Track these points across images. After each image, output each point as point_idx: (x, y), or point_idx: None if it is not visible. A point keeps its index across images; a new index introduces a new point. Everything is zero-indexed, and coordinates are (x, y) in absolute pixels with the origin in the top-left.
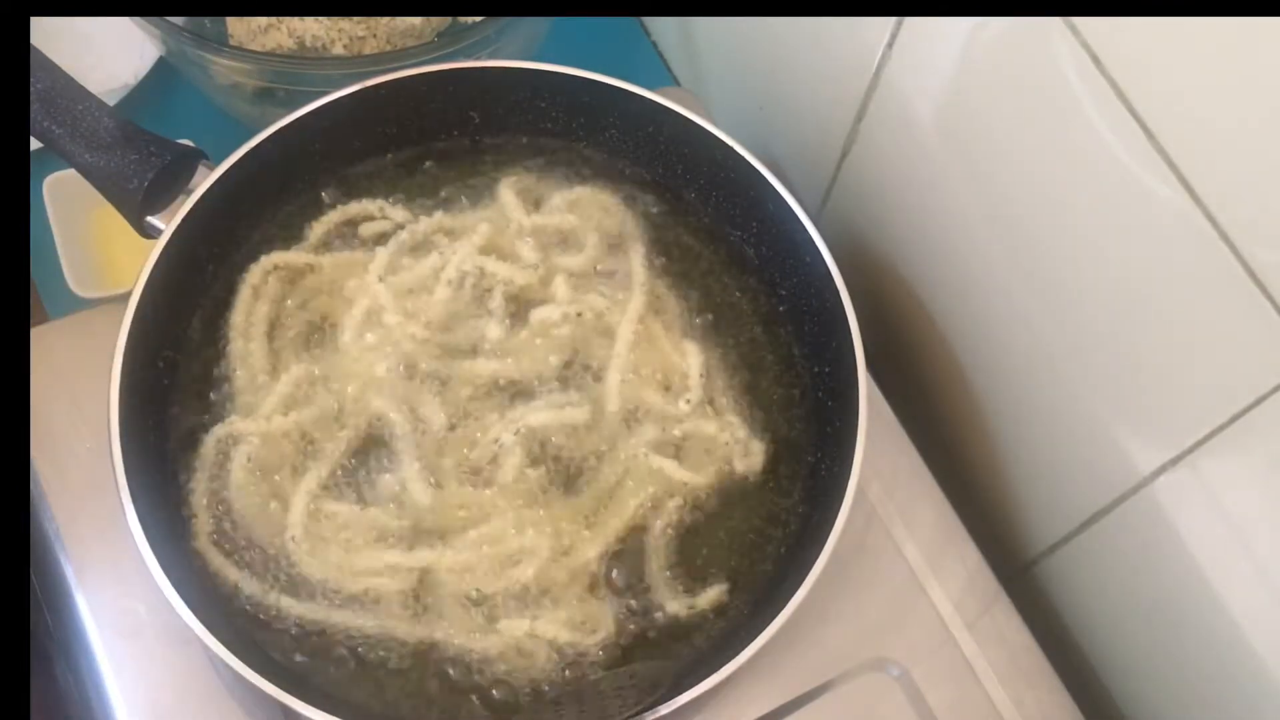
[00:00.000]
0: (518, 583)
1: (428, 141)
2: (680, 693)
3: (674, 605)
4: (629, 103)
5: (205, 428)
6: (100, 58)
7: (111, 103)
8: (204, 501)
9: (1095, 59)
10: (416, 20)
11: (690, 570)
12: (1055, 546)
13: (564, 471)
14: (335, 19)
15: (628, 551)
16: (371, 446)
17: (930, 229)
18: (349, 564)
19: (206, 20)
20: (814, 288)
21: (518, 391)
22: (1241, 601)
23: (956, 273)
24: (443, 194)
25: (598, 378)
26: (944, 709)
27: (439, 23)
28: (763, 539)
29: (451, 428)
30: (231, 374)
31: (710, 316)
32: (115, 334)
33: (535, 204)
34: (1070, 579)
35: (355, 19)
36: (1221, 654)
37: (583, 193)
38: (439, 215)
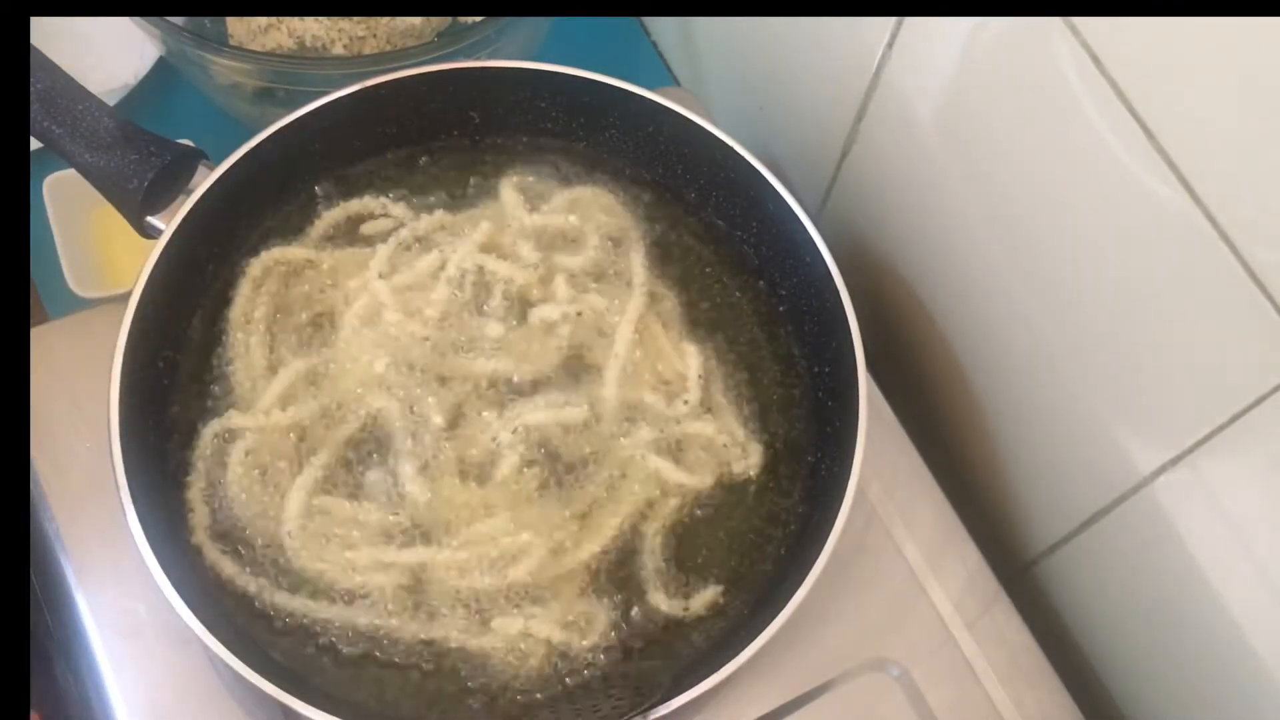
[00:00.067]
0: (513, 582)
1: (428, 141)
2: (680, 693)
3: (669, 606)
4: (629, 103)
5: (204, 424)
6: (100, 58)
7: (111, 103)
8: (201, 496)
9: (1095, 59)
10: (416, 20)
11: (688, 570)
12: (1055, 546)
13: (561, 471)
14: (335, 19)
15: (624, 552)
16: (369, 443)
17: (930, 229)
18: (345, 560)
19: (206, 20)
20: (814, 288)
21: (516, 390)
22: (1241, 601)
23: (956, 273)
24: (443, 193)
25: (596, 378)
26: (944, 709)
27: (439, 23)
28: (762, 539)
29: (449, 426)
30: (230, 369)
31: (710, 317)
32: (115, 334)
33: (536, 203)
34: (1070, 579)
35: (355, 19)
36: (1221, 654)
37: (583, 192)
38: (440, 213)
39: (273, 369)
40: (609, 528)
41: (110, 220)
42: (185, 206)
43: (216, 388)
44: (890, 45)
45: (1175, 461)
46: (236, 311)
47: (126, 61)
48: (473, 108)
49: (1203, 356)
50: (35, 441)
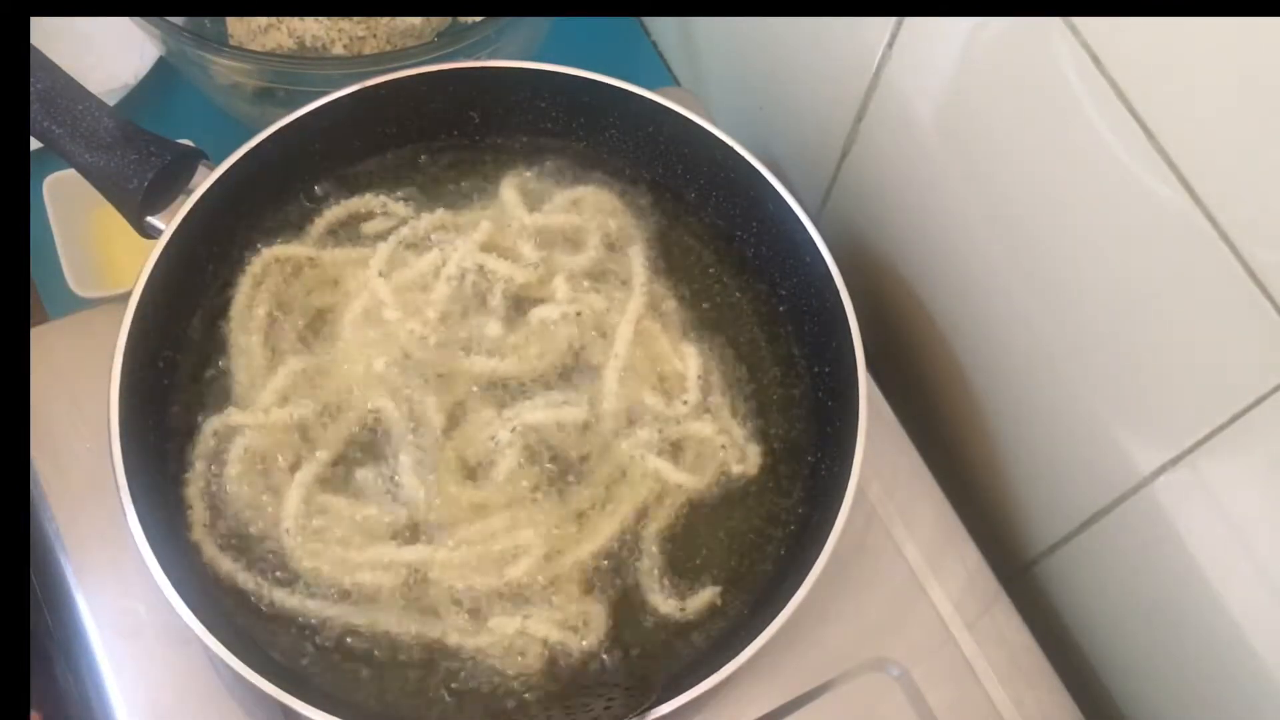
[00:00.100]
0: (511, 581)
1: (428, 141)
2: (680, 693)
3: (666, 607)
4: (629, 103)
5: (204, 422)
6: (100, 58)
7: (111, 103)
8: (200, 493)
9: (1095, 59)
10: (416, 20)
11: (688, 571)
12: (1055, 546)
13: (560, 471)
14: (335, 19)
15: (623, 552)
16: (368, 442)
17: (930, 229)
18: (343, 558)
19: (206, 20)
20: (814, 288)
21: (515, 389)
22: (1241, 601)
23: (956, 273)
24: (443, 193)
25: (596, 377)
26: (944, 709)
27: (439, 23)
28: (762, 539)
29: (449, 425)
30: (230, 367)
31: (710, 317)
32: (115, 334)
33: (536, 203)
34: (1070, 579)
35: (355, 19)
36: (1221, 654)
37: (584, 192)
38: (440, 212)
39: (272, 367)
40: (607, 528)
41: (110, 220)
42: (185, 206)
43: (216, 387)
44: (890, 45)
45: (1175, 461)
46: (237, 309)
47: (126, 61)
48: (473, 108)
49: (1203, 356)
50: (35, 441)
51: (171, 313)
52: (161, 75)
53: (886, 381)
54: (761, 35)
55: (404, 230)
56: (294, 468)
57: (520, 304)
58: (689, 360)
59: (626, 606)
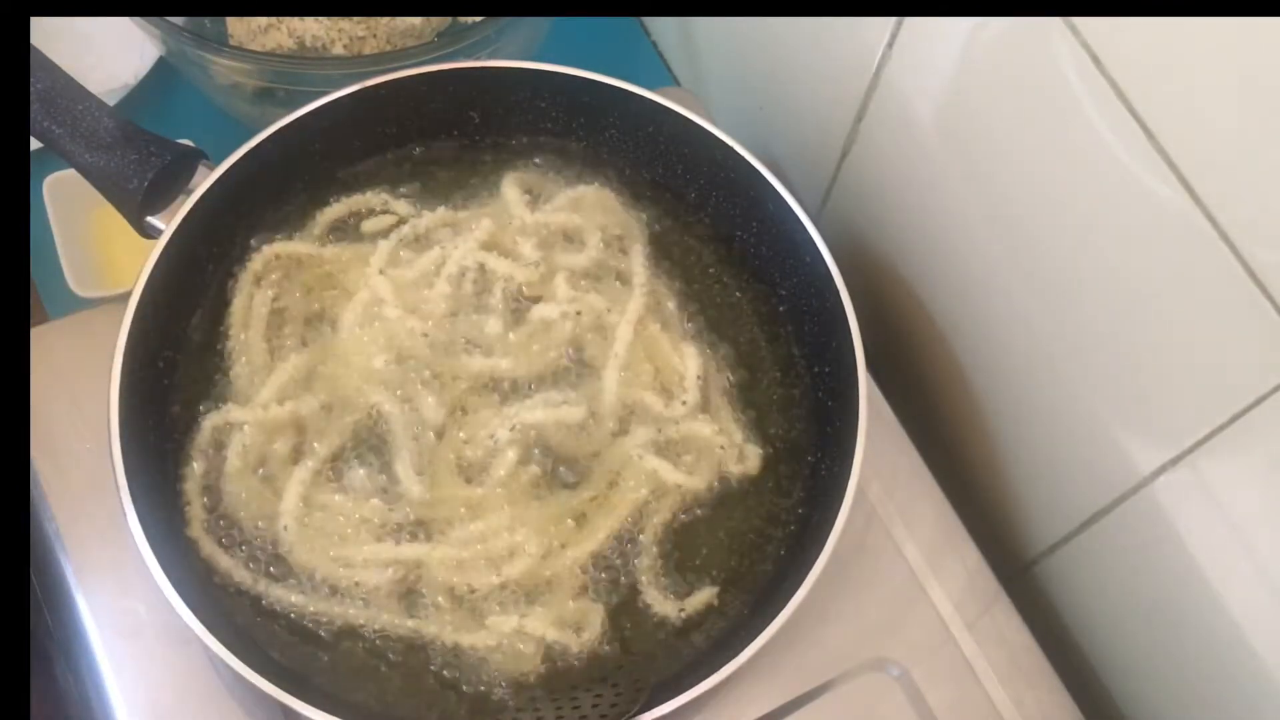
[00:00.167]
0: (508, 579)
1: (428, 141)
2: (680, 693)
3: (664, 607)
4: (629, 103)
5: (204, 418)
6: (100, 58)
7: (111, 103)
8: (198, 489)
9: (1095, 59)
10: (416, 20)
11: (688, 571)
12: (1055, 546)
13: (558, 470)
14: (335, 19)
15: (621, 551)
16: (367, 439)
17: (930, 229)
18: (340, 555)
19: (206, 20)
20: (814, 288)
21: (515, 388)
22: (1241, 601)
23: (956, 273)
24: (442, 193)
25: (595, 377)
26: (944, 709)
27: (439, 23)
28: (762, 539)
29: (448, 422)
30: (230, 363)
31: (710, 316)
32: (115, 334)
33: (537, 201)
34: (1070, 579)
35: (355, 19)
36: (1221, 654)
37: (585, 191)
38: (441, 210)
39: (272, 364)
40: (605, 527)
41: (110, 220)
42: (185, 206)
43: (216, 386)
44: (890, 45)
45: (1175, 461)
46: (237, 306)
47: (126, 61)
48: (473, 108)
49: (1203, 356)
50: (35, 441)
51: (171, 313)
52: (161, 75)
53: (886, 381)
54: (761, 35)
55: (405, 228)
56: (293, 464)
57: (520, 303)
58: (688, 360)
59: (625, 606)
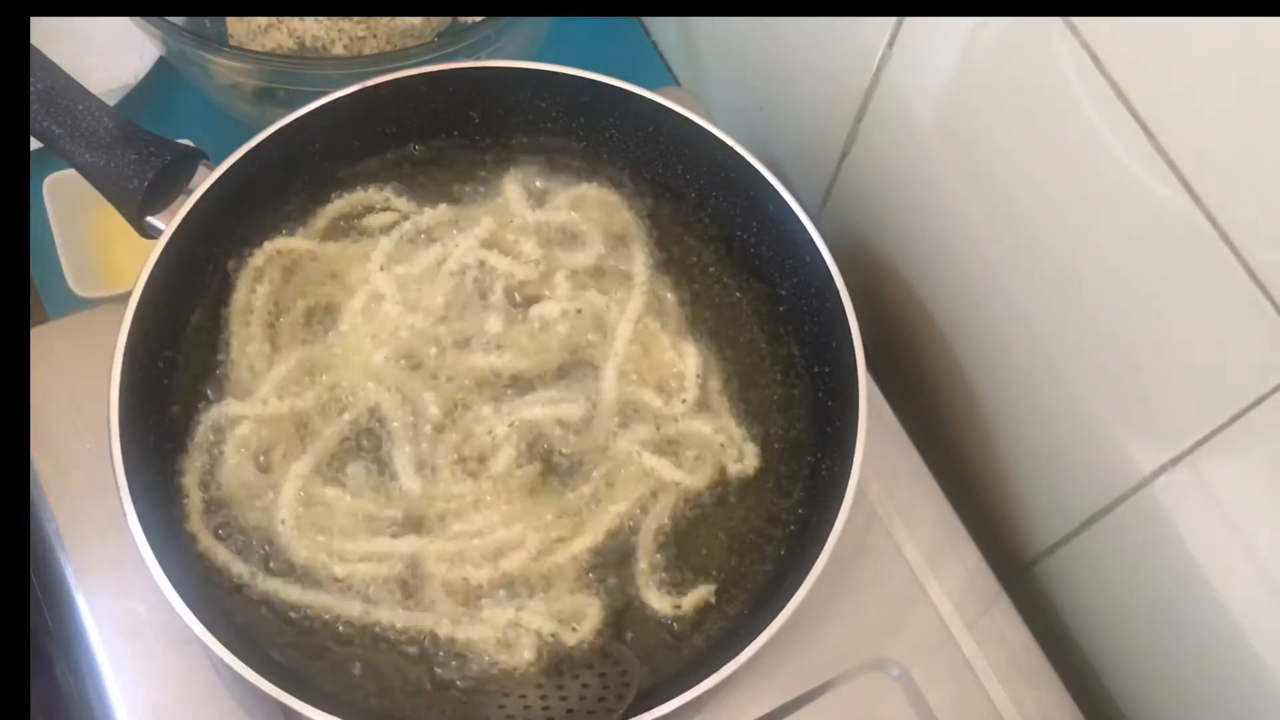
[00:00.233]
0: (505, 574)
1: (428, 141)
2: (680, 693)
3: (661, 605)
4: (629, 103)
5: (203, 412)
6: (100, 58)
7: (111, 103)
8: (197, 484)
9: (1095, 59)
10: (416, 20)
11: (687, 569)
12: (1055, 546)
13: (557, 467)
14: (335, 19)
15: (619, 549)
16: (366, 434)
17: (930, 229)
18: (338, 549)
19: (206, 20)
20: (814, 288)
21: (514, 385)
22: (1241, 601)
23: (956, 273)
24: (442, 193)
25: (595, 375)
26: (944, 709)
27: (439, 23)
28: (762, 539)
29: (446, 419)
30: (230, 359)
31: (710, 316)
32: (115, 334)
33: (538, 200)
34: (1070, 579)
35: (355, 19)
36: (1221, 654)
37: (587, 190)
38: (443, 207)
39: (272, 359)
40: (603, 524)
41: (110, 220)
42: (185, 206)
43: (216, 385)
44: (890, 45)
45: (1175, 461)
46: (238, 301)
47: (126, 61)
48: (473, 108)
49: (1203, 356)
50: (35, 441)
51: (171, 312)
52: (161, 75)
53: (886, 381)
54: (761, 35)
55: (406, 225)
56: (291, 459)
57: (521, 300)
58: (688, 359)
59: (623, 603)
